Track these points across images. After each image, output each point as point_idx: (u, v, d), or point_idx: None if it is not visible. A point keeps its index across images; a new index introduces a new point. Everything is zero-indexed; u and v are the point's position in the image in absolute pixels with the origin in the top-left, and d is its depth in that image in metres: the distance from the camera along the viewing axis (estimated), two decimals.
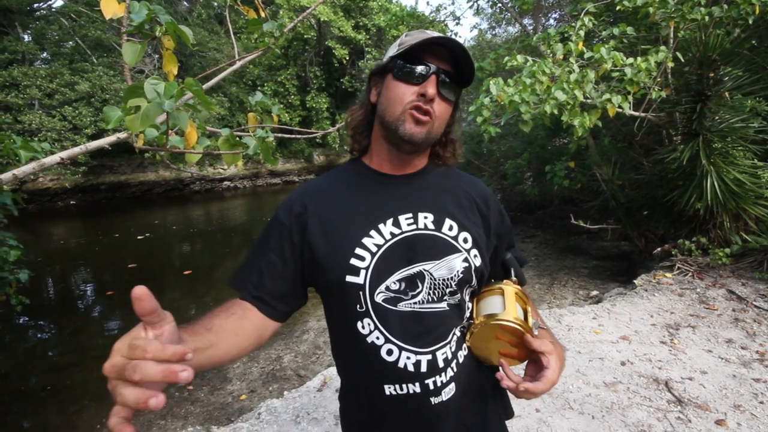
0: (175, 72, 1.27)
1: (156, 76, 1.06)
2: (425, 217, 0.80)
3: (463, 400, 0.79)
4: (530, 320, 0.78)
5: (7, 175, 1.01)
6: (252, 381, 3.52)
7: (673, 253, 4.46)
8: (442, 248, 0.79)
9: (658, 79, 3.81)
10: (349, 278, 0.75)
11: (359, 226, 0.78)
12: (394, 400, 0.75)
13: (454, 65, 0.77)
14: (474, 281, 0.81)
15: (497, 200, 0.91)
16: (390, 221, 0.78)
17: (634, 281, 4.22)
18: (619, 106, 3.38)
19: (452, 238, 0.80)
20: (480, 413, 0.83)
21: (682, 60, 3.66)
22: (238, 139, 1.11)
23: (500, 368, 0.76)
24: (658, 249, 4.73)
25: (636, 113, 4.10)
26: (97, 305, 5.74)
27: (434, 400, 0.75)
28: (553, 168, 5.16)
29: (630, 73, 3.35)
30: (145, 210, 12.56)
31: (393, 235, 0.77)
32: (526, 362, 0.79)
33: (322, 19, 14.73)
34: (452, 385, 0.77)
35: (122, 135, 1.31)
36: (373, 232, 0.77)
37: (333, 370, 2.81)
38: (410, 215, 0.80)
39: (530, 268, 5.75)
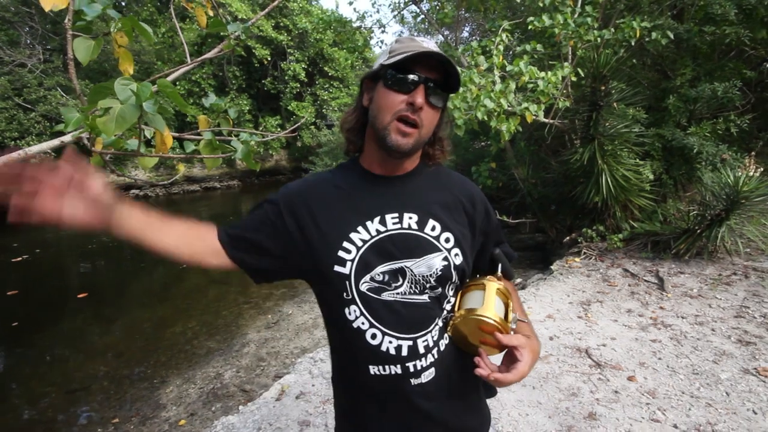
0: (131, 71, 1.18)
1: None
2: (410, 218, 0.86)
3: (441, 384, 0.86)
4: (510, 315, 0.84)
5: None
6: (190, 404, 3.27)
7: (579, 240, 5.14)
8: (423, 247, 0.85)
9: (563, 91, 4.38)
10: (337, 268, 0.82)
11: (348, 222, 0.84)
12: (378, 378, 0.84)
13: (442, 73, 0.82)
14: (455, 278, 0.87)
15: (484, 200, 0.96)
16: (377, 219, 0.85)
17: (551, 267, 4.78)
18: (535, 114, 3.83)
19: (434, 237, 0.86)
20: (458, 395, 0.91)
21: (581, 75, 4.26)
22: (219, 143, 1.07)
23: (479, 356, 0.83)
24: (567, 238, 5.42)
25: (546, 120, 4.66)
26: None
27: (413, 381, 0.83)
28: (478, 169, 5.62)
29: (542, 85, 3.82)
30: (37, 226, 10.73)
31: (378, 232, 0.84)
32: (504, 352, 0.85)
33: (239, 17, 14.04)
34: (432, 370, 0.85)
35: (66, 138, 1.17)
36: (360, 228, 0.84)
37: (289, 378, 2.74)
38: (396, 215, 0.86)
39: None
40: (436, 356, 0.85)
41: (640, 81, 5.31)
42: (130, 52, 1.18)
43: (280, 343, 4.08)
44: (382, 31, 8.06)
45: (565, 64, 3.99)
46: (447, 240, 0.87)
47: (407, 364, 0.82)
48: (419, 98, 0.79)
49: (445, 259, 0.85)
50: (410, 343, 0.82)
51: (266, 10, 1.83)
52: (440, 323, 0.87)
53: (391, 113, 0.80)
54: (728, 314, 3.23)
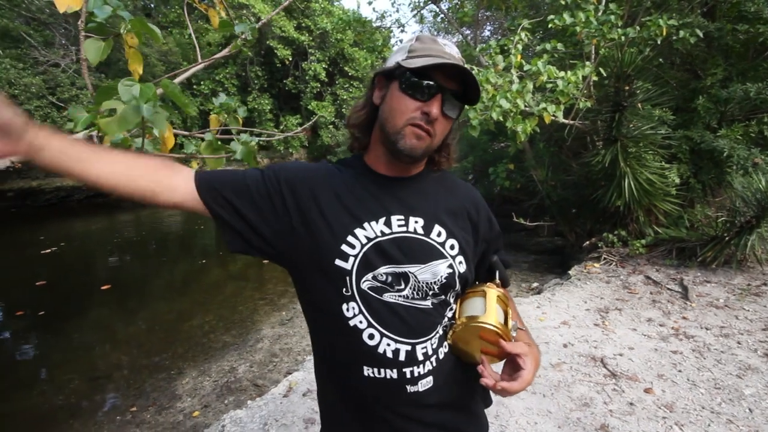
0: (140, 71, 1.21)
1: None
2: (416, 222, 0.83)
3: (440, 394, 0.83)
4: (510, 323, 0.82)
5: None
6: (204, 396, 3.35)
7: (599, 245, 4.98)
8: (429, 253, 0.81)
9: (584, 91, 4.26)
10: (338, 262, 0.78)
11: (354, 218, 0.80)
12: (372, 381, 0.79)
13: (461, 83, 0.78)
14: (458, 286, 0.85)
15: (487, 207, 0.94)
16: (382, 220, 0.81)
17: (569, 272, 4.65)
18: (554, 114, 3.73)
19: (440, 244, 0.83)
20: (457, 408, 0.88)
21: (604, 74, 4.13)
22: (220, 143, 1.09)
23: (481, 365, 0.81)
24: (587, 242, 5.27)
25: (566, 121, 4.54)
26: (11, 328, 5.06)
27: (410, 388, 0.80)
28: (495, 170, 5.54)
29: (561, 85, 3.72)
30: (63, 220, 11.26)
31: (383, 233, 0.80)
32: (504, 360, 0.84)
33: (262, 18, 14.31)
34: (429, 378, 0.81)
35: (78, 137, 1.22)
36: (366, 225, 0.80)
37: (297, 375, 2.77)
38: (402, 217, 0.82)
39: None
40: (434, 364, 0.82)
41: (668, 81, 5.10)
42: (139, 53, 1.21)
43: (293, 340, 4.12)
44: (401, 31, 8.04)
45: (587, 63, 3.88)
46: (452, 247, 0.84)
47: (404, 370, 0.78)
48: (435, 109, 0.75)
49: (450, 266, 0.83)
50: (408, 348, 0.78)
51: (279, 8, 1.85)
52: (440, 330, 0.84)
53: (403, 119, 0.77)
54: (756, 327, 3.06)
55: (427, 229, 0.83)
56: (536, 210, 6.41)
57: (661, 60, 5.05)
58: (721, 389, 2.39)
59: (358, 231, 0.79)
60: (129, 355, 4.11)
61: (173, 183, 0.78)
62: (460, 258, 0.85)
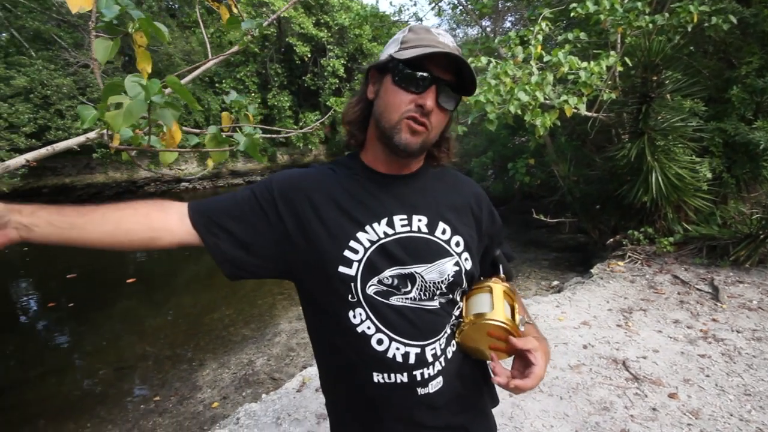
0: (149, 69, 1.22)
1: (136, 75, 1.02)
2: (419, 220, 0.81)
3: (449, 395, 0.82)
4: (517, 317, 0.81)
5: None
6: (223, 387, 3.43)
7: (624, 243, 4.81)
8: (434, 252, 0.80)
9: (608, 82, 4.09)
10: (342, 269, 0.75)
11: (355, 221, 0.78)
12: (382, 387, 0.78)
13: (456, 74, 0.75)
14: (465, 283, 0.83)
15: (489, 201, 0.93)
16: (384, 221, 0.79)
17: (591, 270, 4.51)
18: (575, 107, 3.60)
19: (445, 241, 0.81)
20: (466, 405, 0.87)
21: (629, 64, 3.95)
22: (224, 136, 1.10)
23: (491, 363, 0.80)
24: (611, 240, 5.09)
25: (589, 113, 4.38)
26: (45, 318, 5.33)
27: (420, 390, 0.78)
28: (515, 165, 5.41)
29: (584, 76, 3.58)
30: None
31: (386, 234, 0.78)
32: (513, 357, 0.82)
33: (282, 16, 14.42)
34: (439, 379, 0.80)
35: (91, 135, 1.24)
36: (368, 228, 0.78)
37: (311, 370, 2.79)
38: (405, 216, 0.80)
39: None
40: (443, 364, 0.81)
41: (700, 70, 4.84)
42: (148, 52, 1.22)
43: None
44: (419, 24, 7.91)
45: (611, 52, 3.71)
46: (457, 244, 0.82)
47: (414, 373, 0.77)
48: (429, 101, 0.73)
49: (457, 264, 0.81)
50: (418, 350, 0.77)
51: (290, 4, 1.84)
52: (448, 330, 0.83)
53: (398, 113, 0.74)
54: None
55: (432, 227, 0.81)
56: (557, 206, 6.24)
57: (692, 48, 4.80)
58: (751, 396, 2.26)
59: (360, 235, 0.77)
60: (153, 346, 4.26)
61: (168, 224, 0.76)
62: (466, 255, 0.83)
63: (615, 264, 4.47)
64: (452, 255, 0.81)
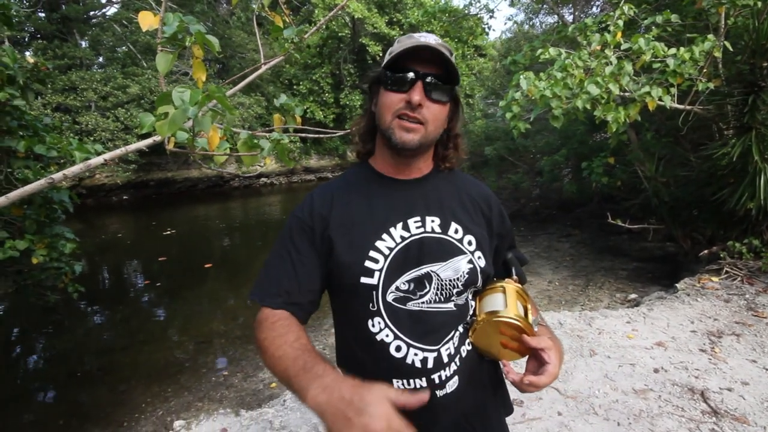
0: (204, 79, 1.37)
1: (185, 84, 1.15)
2: (432, 221, 0.84)
3: (465, 392, 0.84)
4: (530, 317, 0.81)
5: (58, 176, 1.15)
6: None
7: (721, 255, 4.17)
8: (448, 250, 0.82)
9: (705, 70, 3.55)
10: (364, 279, 0.79)
11: (373, 230, 0.82)
12: None
13: (443, 66, 0.79)
14: (479, 282, 0.85)
15: (498, 202, 0.95)
16: (400, 225, 0.82)
17: (677, 285, 3.98)
18: (660, 99, 3.19)
19: (458, 240, 0.84)
20: (480, 405, 0.88)
21: (731, 49, 3.39)
22: (256, 141, 1.19)
23: (504, 365, 0.82)
24: (705, 251, 4.44)
25: (681, 106, 3.85)
26: (142, 294, 6.19)
27: (439, 393, 0.80)
28: (590, 164, 4.95)
29: (673, 65, 3.16)
30: (190, 205, 13.31)
31: (403, 238, 0.81)
32: (527, 357, 0.83)
33: (356, 17, 14.84)
34: (455, 378, 0.82)
35: (158, 138, 1.43)
36: (385, 236, 0.81)
37: None
38: (418, 218, 0.84)
39: (564, 268, 5.57)
40: (458, 363, 0.83)
41: None
42: (203, 63, 1.36)
43: None
44: (491, 17, 7.62)
45: (709, 36, 3.21)
46: (470, 243, 0.85)
47: (432, 376, 0.80)
48: (416, 96, 0.76)
49: (470, 261, 0.83)
50: (435, 354, 0.80)
51: (337, 9, 1.91)
52: (461, 329, 0.85)
53: (391, 113, 0.79)
54: None
55: (444, 227, 0.84)
56: (641, 210, 5.60)
57: None
58: None
59: (379, 243, 0.81)
60: (227, 326, 4.72)
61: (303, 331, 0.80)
62: (479, 253, 0.85)
63: (707, 279, 3.90)
64: (465, 253, 0.83)
